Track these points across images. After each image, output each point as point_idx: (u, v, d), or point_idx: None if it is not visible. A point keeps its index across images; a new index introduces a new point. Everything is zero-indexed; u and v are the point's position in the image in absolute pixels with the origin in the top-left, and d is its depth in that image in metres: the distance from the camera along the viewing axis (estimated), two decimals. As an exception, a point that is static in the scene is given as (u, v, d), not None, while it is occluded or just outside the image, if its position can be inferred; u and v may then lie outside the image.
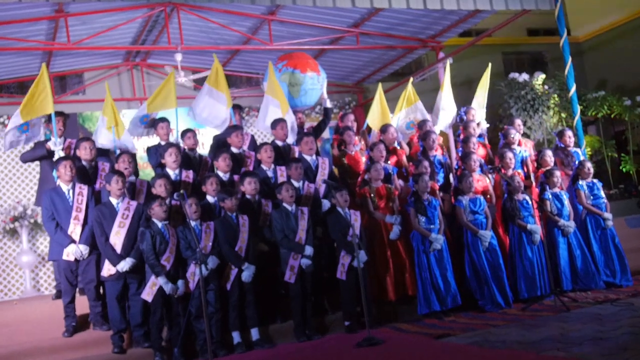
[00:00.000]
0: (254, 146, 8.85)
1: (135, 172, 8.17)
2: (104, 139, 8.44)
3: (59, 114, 8.28)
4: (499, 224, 8.67)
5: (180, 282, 6.90)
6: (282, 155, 8.60)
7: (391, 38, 13.20)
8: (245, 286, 7.22)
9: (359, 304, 7.40)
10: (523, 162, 9.51)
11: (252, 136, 9.47)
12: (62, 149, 8.05)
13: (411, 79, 10.80)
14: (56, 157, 7.88)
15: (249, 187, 7.67)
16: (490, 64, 10.79)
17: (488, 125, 10.42)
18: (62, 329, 7.42)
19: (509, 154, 8.93)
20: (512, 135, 9.54)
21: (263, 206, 7.77)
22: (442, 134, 10.75)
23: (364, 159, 9.10)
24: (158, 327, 6.95)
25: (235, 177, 8.04)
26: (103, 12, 11.16)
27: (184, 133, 8.55)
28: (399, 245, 8.20)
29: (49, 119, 8.31)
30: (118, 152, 8.26)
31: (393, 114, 10.17)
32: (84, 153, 7.87)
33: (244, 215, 7.38)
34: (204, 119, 9.31)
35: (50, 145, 8.02)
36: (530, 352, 5.68)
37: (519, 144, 9.85)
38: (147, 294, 6.85)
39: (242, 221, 7.32)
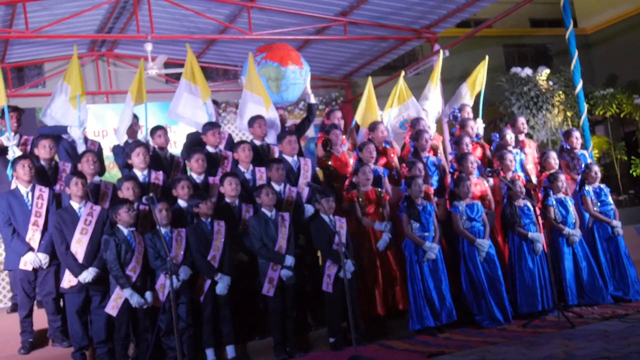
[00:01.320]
0: (231, 146, 8.83)
1: (102, 172, 8.17)
2: (63, 114, 8.35)
3: (12, 108, 8.22)
4: (498, 232, 8.70)
5: (148, 294, 6.87)
6: (261, 156, 8.59)
7: (382, 28, 13.24)
8: (221, 299, 7.21)
9: (345, 319, 7.41)
10: (521, 165, 9.53)
11: (230, 135, 9.45)
12: (17, 145, 7.99)
13: (403, 73, 10.80)
14: (10, 153, 7.82)
15: (229, 187, 7.65)
16: (487, 57, 10.80)
17: (484, 124, 10.47)
18: (17, 346, 7.36)
19: (509, 156, 8.94)
20: (509, 137, 9.56)
21: (243, 212, 7.76)
22: (440, 132, 10.80)
23: (351, 160, 9.08)
24: (124, 344, 6.91)
25: (210, 179, 8.02)
26: (66, -3, 11.14)
27: (154, 130, 8.51)
28: (389, 254, 8.21)
29: (1, 112, 8.24)
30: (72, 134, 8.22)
31: (383, 111, 10.19)
32: (43, 152, 7.80)
33: (220, 221, 7.36)
34: (188, 119, 9.16)
35: (4, 140, 7.93)
36: (531, 372, 5.71)
37: (523, 145, 9.89)
38: (112, 308, 6.81)
39: (217, 227, 7.30)
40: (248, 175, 8.25)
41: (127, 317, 6.85)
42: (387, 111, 10.16)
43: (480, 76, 10.67)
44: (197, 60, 9.32)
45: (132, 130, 8.71)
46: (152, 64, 12.56)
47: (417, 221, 8.01)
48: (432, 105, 10.45)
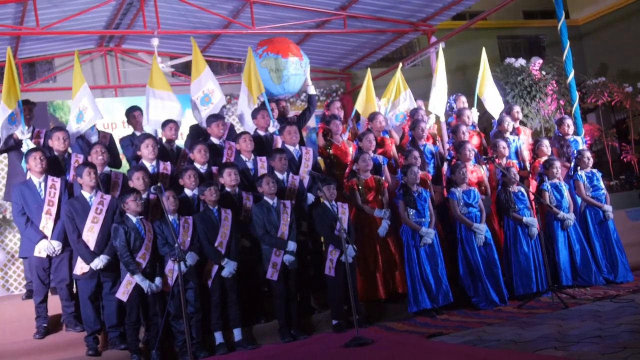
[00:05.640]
0: (234, 136, 8.85)
1: (117, 164, 8.23)
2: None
3: (24, 102, 8.21)
4: (493, 217, 8.71)
5: (157, 280, 6.90)
6: (264, 146, 8.60)
7: (380, 21, 13.20)
8: (228, 284, 7.23)
9: (347, 302, 7.43)
10: (517, 152, 9.53)
11: (232, 125, 9.47)
12: (31, 138, 8.00)
13: (400, 65, 10.77)
14: (24, 146, 7.83)
15: (228, 178, 7.65)
16: (484, 49, 10.77)
17: (479, 113, 10.45)
18: (33, 331, 7.39)
19: (502, 143, 8.95)
20: (507, 123, 9.56)
21: (244, 199, 7.76)
22: (437, 122, 10.79)
23: (351, 149, 9.09)
24: (134, 328, 6.94)
25: (214, 168, 8.03)
26: (74, -6, 11.11)
27: (165, 123, 8.47)
28: (389, 240, 8.21)
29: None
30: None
31: (380, 101, 10.17)
32: (57, 144, 7.82)
33: (227, 209, 7.38)
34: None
35: (18, 133, 7.95)
36: (526, 351, 5.70)
37: (518, 132, 9.88)
38: (123, 294, 6.83)
39: (224, 215, 7.32)
40: (250, 165, 8.26)
41: (138, 302, 6.87)
42: (383, 100, 10.16)
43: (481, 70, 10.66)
44: (201, 54, 9.32)
45: (137, 121, 8.73)
46: (161, 59, 12.55)
47: (413, 208, 8.02)
48: (440, 95, 10.36)
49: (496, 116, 10.11)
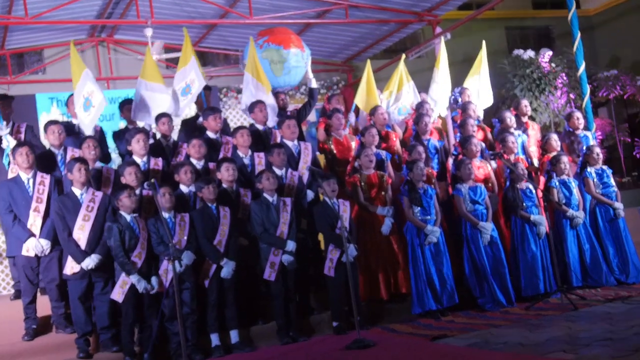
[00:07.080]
0: (227, 131, 8.84)
1: (105, 158, 8.24)
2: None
3: (2, 97, 8.20)
4: (500, 215, 8.70)
5: (154, 280, 6.89)
6: (263, 141, 8.59)
7: (383, 11, 13.19)
8: (225, 284, 7.23)
9: (348, 303, 7.43)
10: (524, 148, 9.52)
11: (225, 120, 9.45)
12: (11, 134, 7.97)
13: (403, 57, 10.73)
14: (4, 143, 7.82)
15: (226, 174, 7.64)
16: (484, 42, 10.75)
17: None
18: (21, 332, 7.39)
19: (511, 138, 8.93)
20: (509, 120, 9.53)
21: (242, 196, 7.76)
22: (440, 117, 10.77)
23: (353, 144, 9.08)
24: (130, 330, 6.92)
25: (211, 164, 8.02)
26: (65, -18, 11.10)
27: (158, 118, 8.46)
28: (392, 238, 8.21)
29: None
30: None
31: (382, 95, 10.14)
32: (52, 138, 7.82)
33: (225, 207, 7.38)
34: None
35: None
36: (534, 354, 5.71)
37: (526, 127, 9.87)
38: (118, 294, 6.81)
39: (223, 213, 7.32)
40: (247, 161, 8.25)
41: (134, 303, 6.85)
42: (385, 94, 10.13)
43: (477, 61, 10.66)
44: (195, 45, 9.31)
45: (129, 114, 8.73)
46: (152, 49, 12.55)
47: (419, 205, 8.02)
48: (441, 90, 10.35)
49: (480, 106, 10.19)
